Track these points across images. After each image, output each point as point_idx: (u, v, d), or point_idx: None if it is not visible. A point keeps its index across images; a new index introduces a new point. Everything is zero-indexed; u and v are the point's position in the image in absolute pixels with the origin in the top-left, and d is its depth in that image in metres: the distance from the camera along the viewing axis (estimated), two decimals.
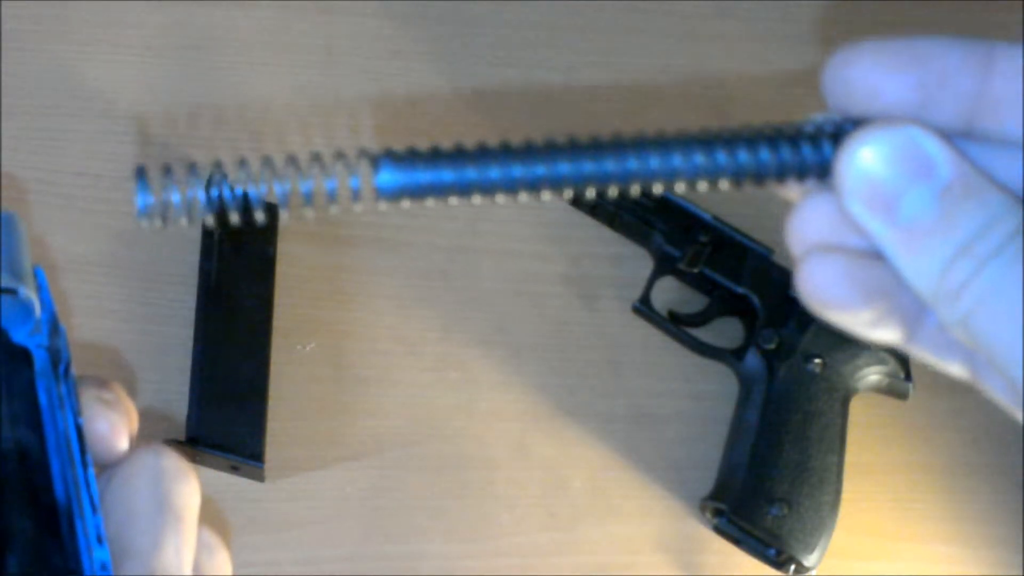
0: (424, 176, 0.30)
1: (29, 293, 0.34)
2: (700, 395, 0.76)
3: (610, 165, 0.30)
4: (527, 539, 0.72)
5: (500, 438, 0.73)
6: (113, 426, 0.34)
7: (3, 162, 0.73)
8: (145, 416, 0.70)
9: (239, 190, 0.32)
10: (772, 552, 0.70)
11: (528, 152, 0.30)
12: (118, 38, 0.78)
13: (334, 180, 0.31)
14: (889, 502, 0.75)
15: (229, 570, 0.36)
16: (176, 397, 0.69)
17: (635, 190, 0.31)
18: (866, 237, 0.29)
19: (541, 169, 0.30)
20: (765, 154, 0.32)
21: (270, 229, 0.73)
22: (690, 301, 0.77)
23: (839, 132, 0.31)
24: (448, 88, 0.81)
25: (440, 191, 0.30)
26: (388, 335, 0.74)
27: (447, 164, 0.30)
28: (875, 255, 0.29)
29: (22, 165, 0.74)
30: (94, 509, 0.32)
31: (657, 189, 0.31)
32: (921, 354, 0.31)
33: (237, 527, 0.69)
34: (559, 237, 0.78)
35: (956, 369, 0.31)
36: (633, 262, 0.78)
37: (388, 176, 0.30)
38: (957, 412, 0.77)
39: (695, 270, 0.75)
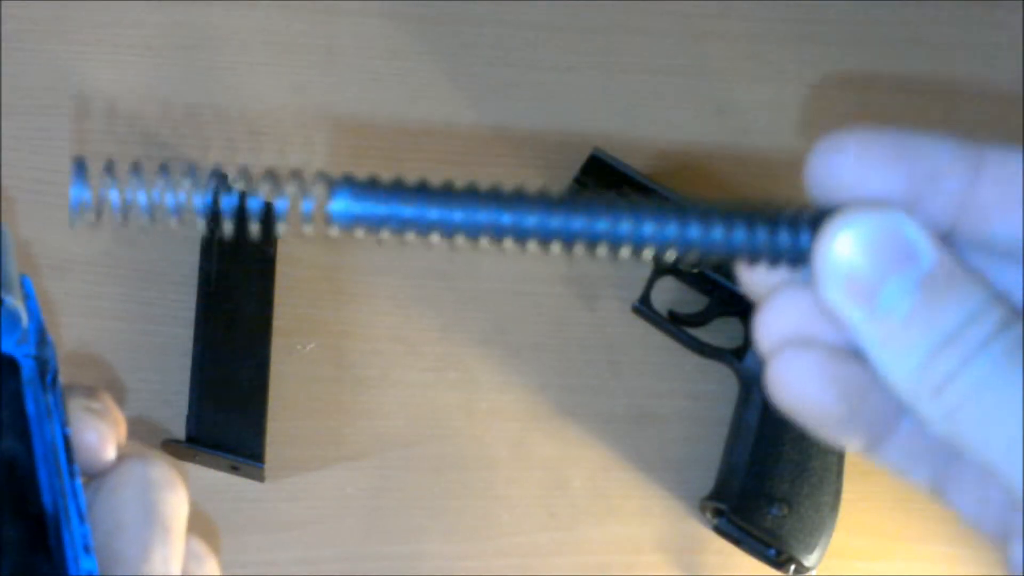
0: (382, 209, 0.29)
1: (16, 304, 0.34)
2: (700, 395, 0.76)
3: (577, 225, 0.29)
4: (527, 539, 0.72)
5: (500, 438, 0.73)
6: (101, 436, 0.34)
7: (3, 162, 0.73)
8: (145, 417, 0.70)
9: (182, 196, 0.30)
10: (772, 552, 0.70)
11: (494, 199, 0.29)
12: (118, 38, 0.78)
13: (285, 200, 0.30)
14: (889, 502, 0.75)
15: None
16: (176, 397, 0.69)
17: (600, 252, 0.30)
18: (842, 328, 0.28)
19: (506, 218, 0.29)
20: (740, 234, 0.29)
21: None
22: (690, 301, 0.77)
23: (818, 219, 0.29)
24: (448, 88, 0.81)
25: (397, 226, 0.29)
26: (388, 335, 0.74)
27: (408, 199, 0.29)
28: (850, 353, 0.28)
29: (22, 165, 0.74)
30: (81, 519, 0.32)
31: (624, 254, 0.30)
32: (886, 464, 0.30)
33: (237, 527, 0.69)
34: None
35: (921, 482, 0.30)
36: (633, 262, 0.77)
37: (344, 204, 0.30)
38: None
39: (695, 270, 0.75)
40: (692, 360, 0.76)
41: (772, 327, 0.30)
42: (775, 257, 0.29)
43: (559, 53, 0.83)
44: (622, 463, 0.74)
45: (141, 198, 0.30)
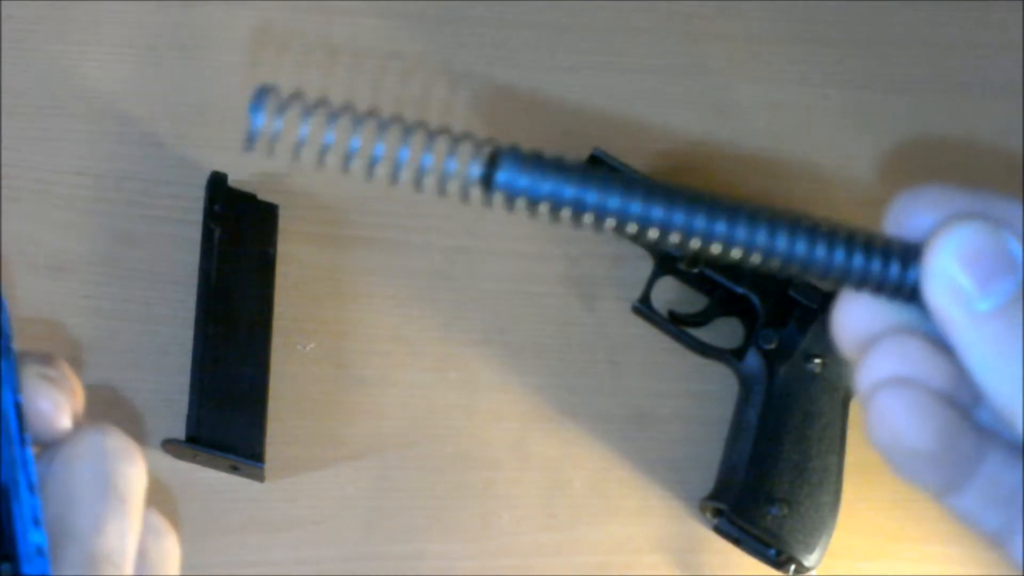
0: (545, 185, 0.30)
1: None
2: (700, 395, 0.76)
3: (719, 228, 0.30)
4: (527, 539, 0.72)
5: (500, 438, 0.73)
6: (56, 404, 0.33)
7: (3, 162, 0.73)
8: (145, 417, 0.70)
9: (356, 142, 0.30)
10: (772, 552, 0.70)
11: (648, 192, 0.30)
12: (118, 38, 0.78)
13: (454, 161, 0.30)
14: (889, 502, 0.75)
15: (177, 554, 0.35)
16: (176, 397, 0.69)
17: (735, 254, 0.31)
18: (944, 331, 0.29)
19: (657, 212, 0.30)
20: (858, 260, 0.31)
21: (270, 229, 0.73)
22: (690, 301, 0.77)
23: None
24: (448, 88, 0.81)
25: (556, 204, 0.30)
26: (388, 335, 0.74)
27: (571, 179, 0.30)
28: (946, 396, 0.30)
29: (22, 165, 0.74)
30: (31, 490, 0.31)
31: (753, 261, 0.31)
32: (957, 510, 0.31)
33: (237, 527, 0.69)
34: (559, 237, 0.78)
35: (987, 532, 0.32)
36: (633, 262, 0.77)
37: (509, 175, 0.30)
38: None
39: (695, 270, 0.75)
40: (692, 360, 0.76)
41: (876, 368, 0.31)
42: (882, 285, 0.31)
43: (559, 53, 0.83)
44: (622, 463, 0.74)
45: (315, 136, 0.29)
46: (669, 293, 0.77)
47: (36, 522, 0.31)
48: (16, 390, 0.32)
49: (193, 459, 0.68)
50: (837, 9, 0.87)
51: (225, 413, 0.68)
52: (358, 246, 0.76)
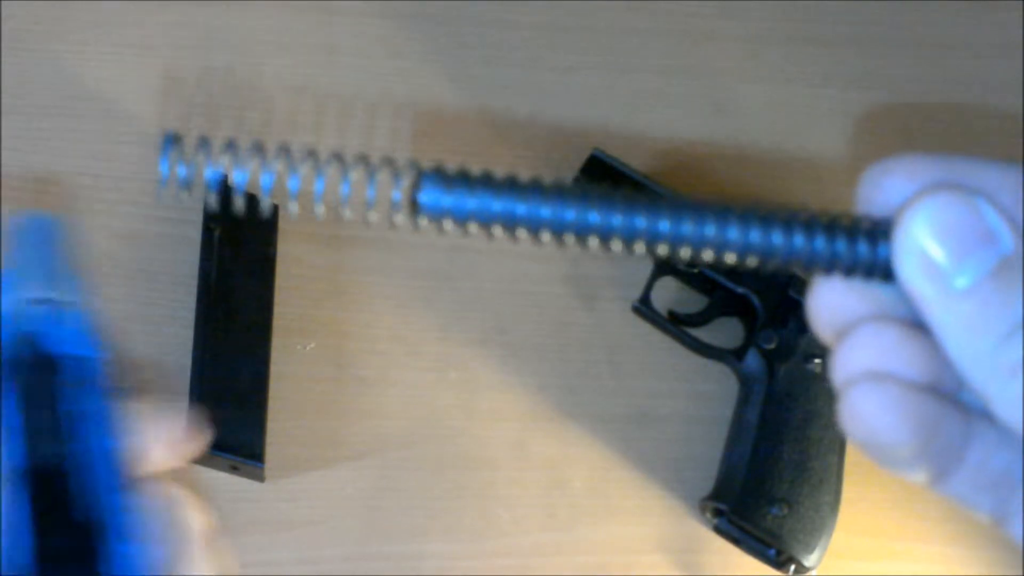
0: (471, 202, 0.29)
1: (67, 302, 0.33)
2: (700, 395, 0.76)
3: (663, 227, 0.29)
4: (527, 539, 0.72)
5: (500, 438, 0.73)
6: (149, 445, 0.34)
7: (3, 162, 0.73)
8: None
9: (270, 176, 0.29)
10: (772, 552, 0.70)
11: (583, 198, 0.29)
12: (118, 38, 0.78)
13: (372, 188, 0.29)
14: (889, 502, 0.75)
15: (199, 522, 0.36)
16: (176, 397, 0.69)
17: (684, 253, 0.30)
18: (918, 310, 0.28)
19: (594, 216, 0.29)
20: (820, 243, 0.29)
21: (270, 229, 0.73)
22: (690, 301, 0.77)
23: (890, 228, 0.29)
24: (448, 88, 0.81)
25: (486, 220, 0.29)
26: (388, 335, 0.74)
27: (498, 193, 0.29)
28: (924, 387, 0.28)
29: (22, 165, 0.74)
30: (124, 528, 0.32)
31: (705, 257, 0.30)
32: (950, 495, 0.30)
33: (237, 527, 0.69)
34: None
35: (984, 513, 0.30)
36: (633, 262, 0.77)
37: (432, 195, 0.29)
38: None
39: (695, 270, 0.75)
40: (692, 360, 0.76)
41: (849, 362, 0.29)
42: (853, 267, 0.29)
43: (559, 53, 0.83)
44: (622, 463, 0.74)
45: (232, 177, 0.29)
46: (669, 293, 0.77)
47: (127, 557, 0.31)
48: (116, 436, 0.33)
49: (193, 459, 0.68)
50: (837, 9, 0.87)
51: (225, 413, 0.68)
52: (358, 246, 0.76)
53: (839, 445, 0.71)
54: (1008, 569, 0.74)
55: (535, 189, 0.29)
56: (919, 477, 0.30)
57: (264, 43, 0.80)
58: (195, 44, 0.79)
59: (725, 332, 0.76)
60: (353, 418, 0.72)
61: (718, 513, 0.71)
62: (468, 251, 0.77)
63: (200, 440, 0.35)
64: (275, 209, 0.74)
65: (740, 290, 0.75)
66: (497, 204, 0.29)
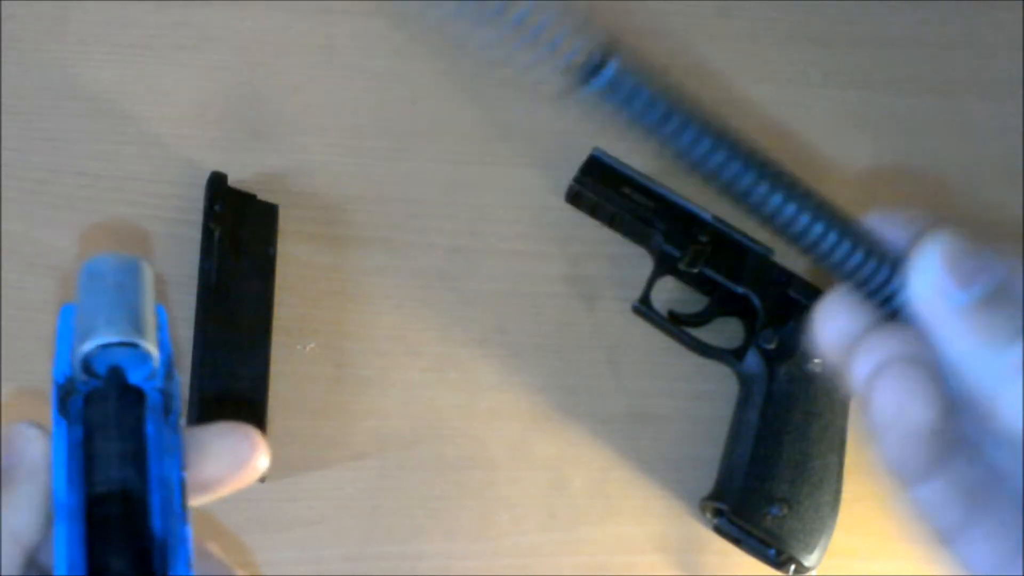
0: (641, 98, 0.34)
1: (148, 345, 0.34)
2: (700, 395, 0.76)
3: (776, 199, 0.36)
4: (527, 539, 0.72)
5: (500, 438, 0.73)
6: (214, 473, 0.36)
7: (3, 162, 0.73)
8: None
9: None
10: (772, 552, 0.70)
11: (725, 144, 0.34)
12: (118, 38, 0.78)
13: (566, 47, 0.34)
14: (889, 502, 0.74)
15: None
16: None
17: (775, 222, 0.36)
18: (930, 327, 0.33)
19: (720, 157, 0.34)
20: (870, 265, 0.35)
21: (270, 229, 0.73)
22: (690, 301, 0.77)
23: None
24: (448, 88, 0.81)
25: (644, 120, 0.34)
26: (388, 335, 0.74)
27: (665, 104, 0.33)
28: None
29: (22, 165, 0.74)
30: (189, 565, 0.32)
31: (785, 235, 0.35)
32: (920, 502, 0.35)
33: (237, 527, 0.69)
34: (559, 237, 0.78)
35: (942, 528, 0.35)
36: (633, 262, 0.77)
37: (611, 76, 0.33)
38: None
39: (695, 270, 0.75)
40: (692, 360, 0.76)
41: (878, 350, 0.34)
42: (874, 286, 0.35)
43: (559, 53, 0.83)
44: (622, 463, 0.74)
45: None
46: (669, 293, 0.77)
47: None
48: (182, 466, 0.34)
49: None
50: (837, 9, 0.87)
51: (225, 413, 0.68)
52: (358, 246, 0.76)
53: (839, 445, 0.71)
54: (1008, 569, 0.74)
55: (692, 118, 0.34)
56: (915, 467, 0.34)
57: (264, 43, 0.80)
58: (195, 44, 0.79)
59: (725, 332, 0.76)
60: (353, 418, 0.72)
61: (718, 513, 0.71)
62: (468, 251, 0.77)
63: (262, 465, 0.36)
64: (275, 209, 0.74)
65: (740, 290, 0.75)
66: (653, 114, 0.34)
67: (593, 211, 0.78)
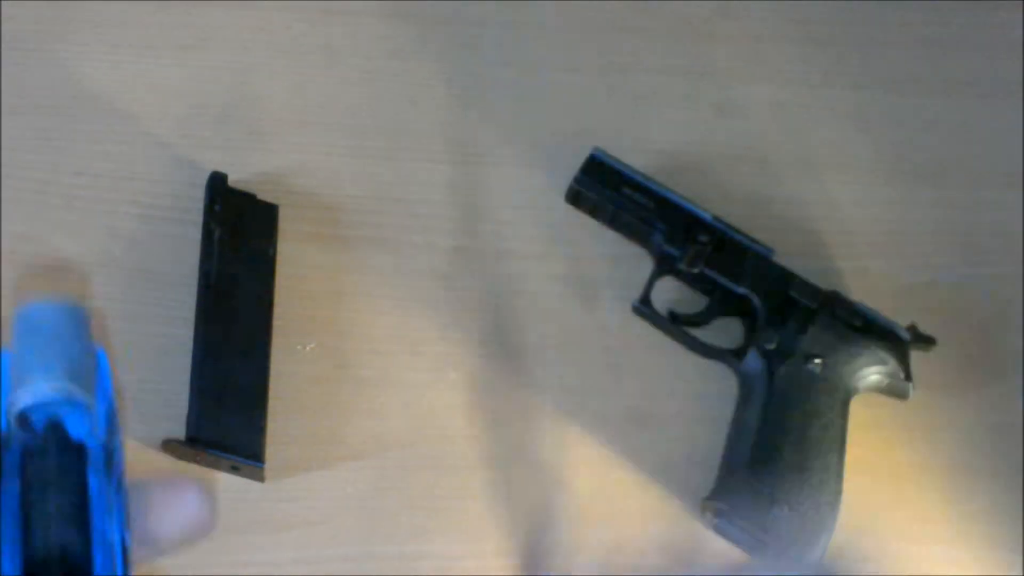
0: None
1: (88, 399, 0.32)
2: (700, 395, 0.76)
3: None
4: (527, 539, 0.72)
5: (500, 438, 0.73)
6: (161, 528, 0.34)
7: (3, 162, 0.73)
8: (145, 417, 0.70)
9: None
10: (772, 552, 0.70)
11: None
12: (118, 38, 0.78)
13: None
14: (889, 502, 0.75)
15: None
16: (176, 397, 0.69)
17: None
18: None
19: None
20: None
21: (270, 229, 0.73)
22: (690, 301, 0.77)
23: None
24: (448, 88, 0.81)
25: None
26: (388, 335, 0.74)
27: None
28: None
29: (22, 165, 0.74)
30: None
31: None
32: None
33: (237, 527, 0.69)
34: (559, 237, 0.78)
35: None
36: (633, 262, 0.77)
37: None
38: (957, 412, 0.77)
39: (695, 270, 0.75)
40: (692, 360, 0.76)
41: None
42: None
43: (559, 53, 0.83)
44: (622, 463, 0.74)
45: None
46: (669, 293, 0.77)
47: None
48: (125, 526, 0.32)
49: (193, 459, 0.68)
50: (837, 9, 0.87)
51: (225, 413, 0.68)
52: (358, 246, 0.76)
53: (839, 445, 0.71)
54: (1008, 569, 0.74)
55: None
56: None
57: (264, 43, 0.80)
58: (195, 44, 0.79)
59: (725, 332, 0.76)
60: (353, 418, 0.72)
61: (718, 513, 0.71)
62: (468, 251, 0.77)
63: (211, 520, 0.34)
64: (275, 209, 0.74)
65: (740, 290, 0.75)
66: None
67: (593, 211, 0.78)
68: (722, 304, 0.76)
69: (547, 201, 0.78)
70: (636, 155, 0.78)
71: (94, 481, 0.32)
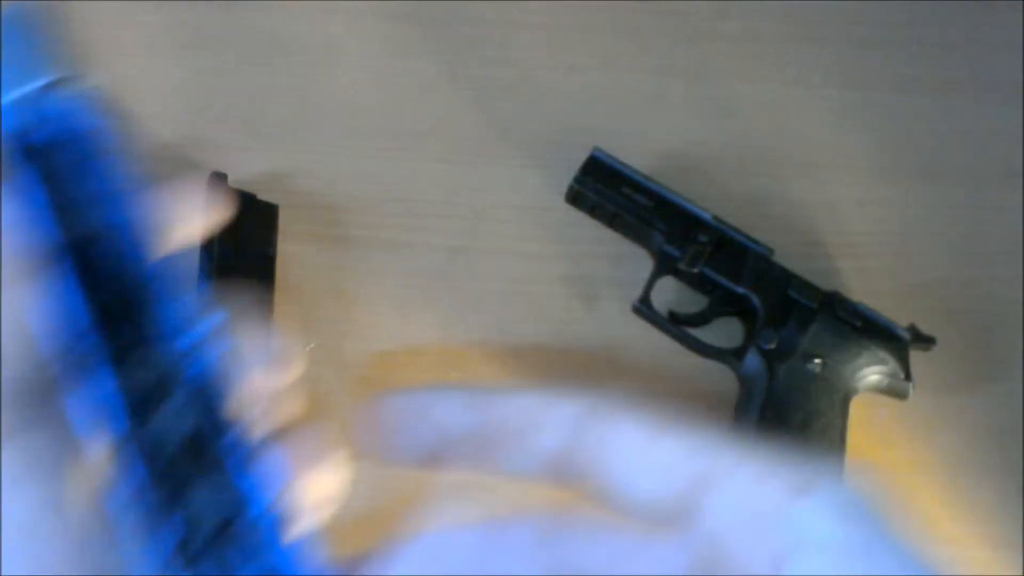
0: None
1: (70, 80, 0.32)
2: (700, 395, 0.76)
3: None
4: None
5: None
6: (172, 215, 0.34)
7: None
8: None
9: None
10: None
11: None
12: (118, 38, 0.78)
13: None
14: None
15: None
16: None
17: None
18: None
19: None
20: None
21: (270, 229, 0.73)
22: (690, 301, 0.77)
23: None
24: (448, 88, 0.81)
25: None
26: (388, 335, 0.74)
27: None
28: None
29: None
30: (165, 291, 0.31)
31: None
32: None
33: None
34: (559, 237, 0.78)
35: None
36: (633, 262, 0.77)
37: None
38: (957, 412, 0.77)
39: (695, 270, 0.75)
40: (692, 360, 0.76)
41: None
42: None
43: (559, 53, 0.83)
44: None
45: None
46: (669, 293, 0.77)
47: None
48: (144, 204, 0.33)
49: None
50: (837, 9, 0.87)
51: None
52: (358, 246, 0.76)
53: (839, 445, 0.71)
54: (1008, 569, 0.74)
55: None
56: None
57: (264, 43, 0.80)
58: (195, 44, 0.79)
59: (725, 332, 0.76)
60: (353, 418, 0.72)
61: None
62: (468, 251, 0.77)
63: (222, 206, 0.35)
64: (275, 209, 0.74)
65: (740, 290, 0.75)
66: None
67: (593, 211, 0.78)
68: (722, 304, 0.76)
69: (547, 201, 0.78)
70: (636, 155, 0.78)
71: (100, 165, 0.33)
